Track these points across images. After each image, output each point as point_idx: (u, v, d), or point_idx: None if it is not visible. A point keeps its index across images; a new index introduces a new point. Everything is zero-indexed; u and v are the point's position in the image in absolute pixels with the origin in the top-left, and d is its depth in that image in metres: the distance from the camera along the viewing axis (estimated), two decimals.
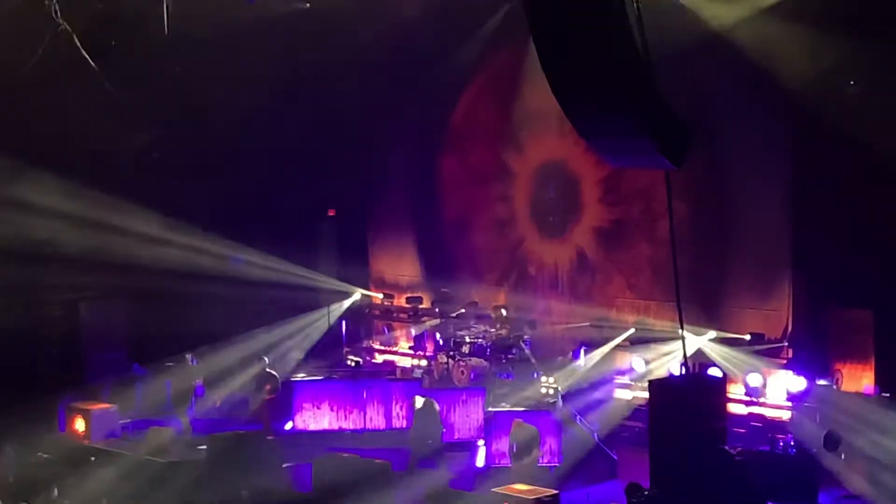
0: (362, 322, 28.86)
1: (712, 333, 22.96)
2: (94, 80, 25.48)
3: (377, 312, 29.15)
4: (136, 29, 25.43)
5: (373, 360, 28.36)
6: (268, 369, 23.97)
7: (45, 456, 22.50)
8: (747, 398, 22.24)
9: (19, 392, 24.13)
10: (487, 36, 26.52)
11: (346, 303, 28.51)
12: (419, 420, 21.90)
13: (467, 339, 25.03)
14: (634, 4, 13.37)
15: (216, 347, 26.28)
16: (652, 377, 22.78)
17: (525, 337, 24.50)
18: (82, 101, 26.50)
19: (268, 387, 23.53)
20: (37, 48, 24.69)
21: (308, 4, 27.39)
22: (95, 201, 26.23)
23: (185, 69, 26.92)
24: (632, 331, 23.94)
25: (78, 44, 24.33)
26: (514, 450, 19.81)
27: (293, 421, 23.94)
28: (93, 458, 21.36)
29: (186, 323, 26.11)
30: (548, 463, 20.96)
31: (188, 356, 25.06)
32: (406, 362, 27.30)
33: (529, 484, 18.87)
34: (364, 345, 28.44)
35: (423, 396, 22.32)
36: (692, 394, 17.34)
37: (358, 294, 28.81)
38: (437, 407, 21.90)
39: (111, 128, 26.99)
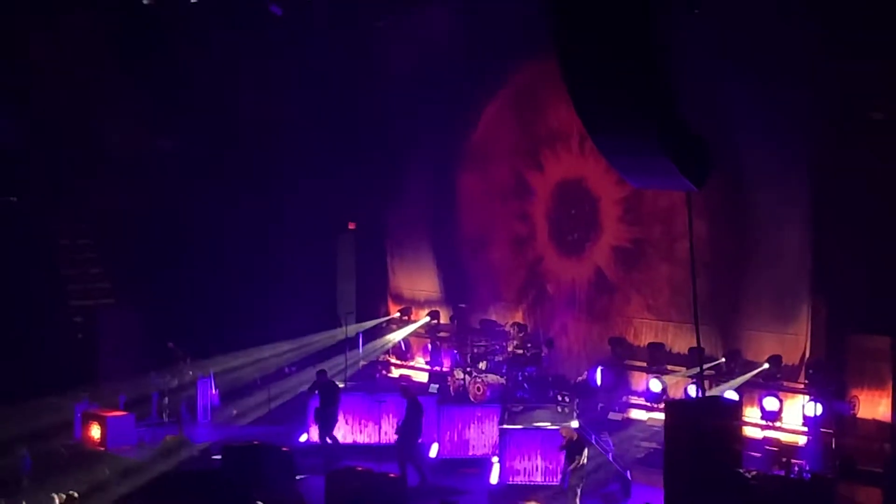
0: (380, 335, 28.83)
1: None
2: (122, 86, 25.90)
3: (394, 327, 29.12)
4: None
5: (388, 374, 28.37)
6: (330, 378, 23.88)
7: (60, 461, 22.63)
8: (763, 422, 22.17)
9: (36, 396, 24.28)
10: (509, 53, 26.55)
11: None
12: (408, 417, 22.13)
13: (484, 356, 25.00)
14: (659, 29, 13.39)
15: (231, 357, 26.38)
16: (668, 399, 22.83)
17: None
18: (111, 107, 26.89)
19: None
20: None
21: None
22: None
23: (211, 79, 27.18)
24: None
25: None
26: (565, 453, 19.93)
27: (307, 433, 23.97)
28: (107, 471, 21.43)
29: (203, 332, 26.24)
30: (560, 482, 20.94)
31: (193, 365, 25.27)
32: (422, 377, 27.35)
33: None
34: (381, 358, 28.42)
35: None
36: (708, 416, 17.32)
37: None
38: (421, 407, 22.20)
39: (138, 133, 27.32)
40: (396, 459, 21.64)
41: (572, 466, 19.76)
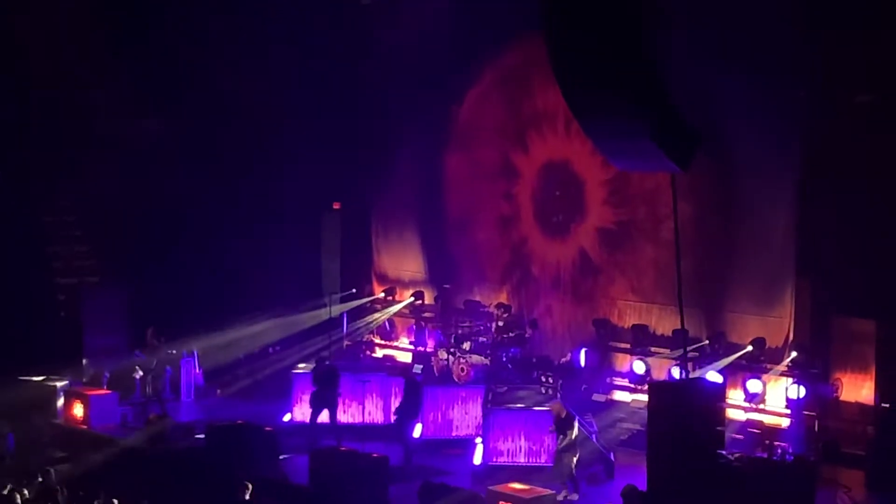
0: (363, 315, 28.80)
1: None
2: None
3: (378, 307, 29.11)
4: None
5: (372, 355, 28.35)
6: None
7: (43, 439, 22.62)
8: (746, 404, 22.22)
9: (18, 374, 24.23)
10: (496, 34, 26.48)
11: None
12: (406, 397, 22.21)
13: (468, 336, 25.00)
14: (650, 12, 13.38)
15: (216, 336, 26.34)
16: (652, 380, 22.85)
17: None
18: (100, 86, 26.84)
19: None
20: None
21: None
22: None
23: (199, 59, 27.11)
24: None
25: None
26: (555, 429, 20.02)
27: (291, 413, 23.95)
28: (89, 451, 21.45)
29: (188, 311, 26.17)
30: (544, 462, 20.98)
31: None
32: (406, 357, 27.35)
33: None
34: (364, 338, 28.40)
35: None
36: (691, 398, 17.35)
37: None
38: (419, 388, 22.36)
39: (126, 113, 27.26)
40: (397, 440, 21.68)
41: (564, 443, 19.77)
